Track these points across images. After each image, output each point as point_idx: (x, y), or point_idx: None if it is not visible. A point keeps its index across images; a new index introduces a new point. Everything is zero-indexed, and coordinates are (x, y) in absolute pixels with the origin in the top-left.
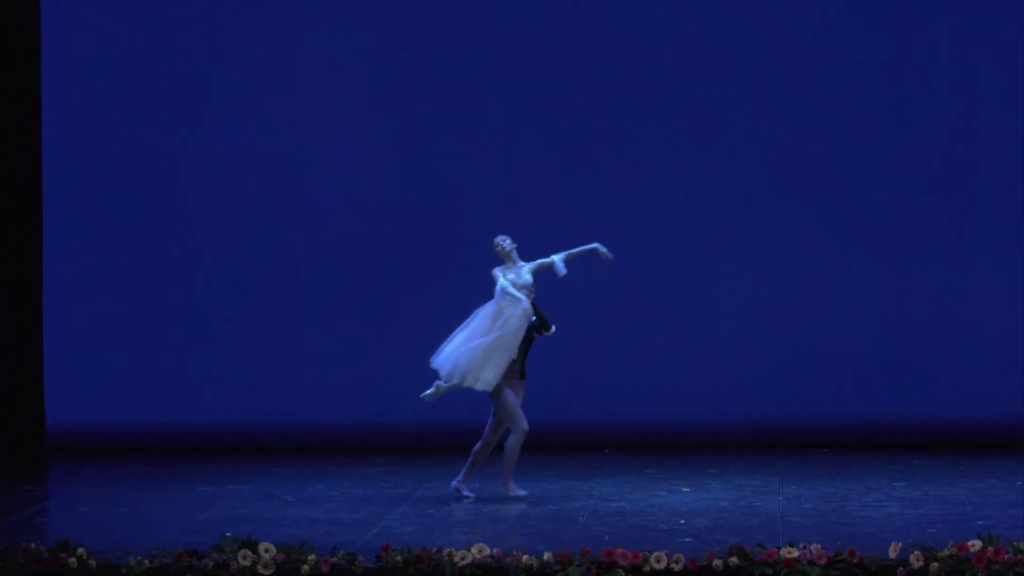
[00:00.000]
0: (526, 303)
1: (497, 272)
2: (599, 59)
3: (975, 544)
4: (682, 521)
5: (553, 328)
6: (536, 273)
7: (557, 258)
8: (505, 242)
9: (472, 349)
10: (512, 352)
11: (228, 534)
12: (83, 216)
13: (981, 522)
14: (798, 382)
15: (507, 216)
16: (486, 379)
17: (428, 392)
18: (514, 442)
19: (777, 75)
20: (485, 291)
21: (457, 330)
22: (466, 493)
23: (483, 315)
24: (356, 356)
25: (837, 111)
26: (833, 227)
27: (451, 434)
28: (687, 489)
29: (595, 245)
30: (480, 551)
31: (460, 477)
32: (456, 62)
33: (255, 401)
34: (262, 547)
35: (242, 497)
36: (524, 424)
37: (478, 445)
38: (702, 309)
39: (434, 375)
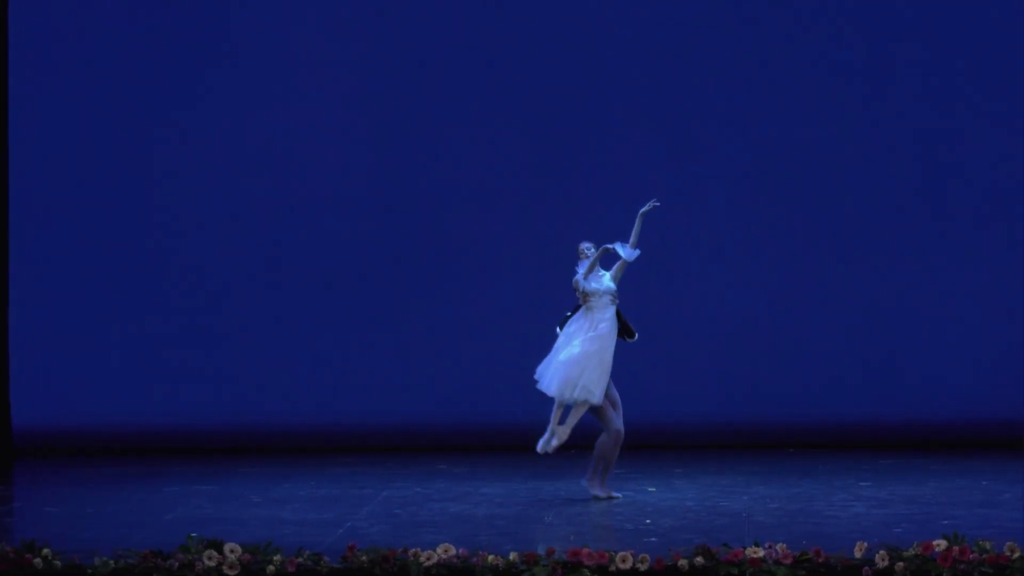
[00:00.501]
0: (601, 285)
1: (579, 275)
2: (579, 58)
3: (941, 544)
4: (648, 521)
5: (636, 336)
6: (618, 279)
7: (619, 248)
8: (589, 250)
9: (570, 361)
10: (609, 356)
11: (194, 535)
12: (49, 215)
13: (947, 522)
14: (765, 382)
15: (488, 215)
16: (589, 389)
17: (546, 440)
18: (605, 441)
19: (756, 76)
20: (461, 296)
21: (555, 348)
22: (615, 494)
23: (575, 328)
24: (323, 357)
25: (815, 111)
26: (802, 227)
27: (418, 435)
28: (653, 489)
29: (641, 212)
30: (446, 551)
31: (589, 478)
32: (435, 62)
33: (221, 402)
34: (228, 547)
35: (209, 497)
36: (617, 426)
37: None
38: (669, 309)
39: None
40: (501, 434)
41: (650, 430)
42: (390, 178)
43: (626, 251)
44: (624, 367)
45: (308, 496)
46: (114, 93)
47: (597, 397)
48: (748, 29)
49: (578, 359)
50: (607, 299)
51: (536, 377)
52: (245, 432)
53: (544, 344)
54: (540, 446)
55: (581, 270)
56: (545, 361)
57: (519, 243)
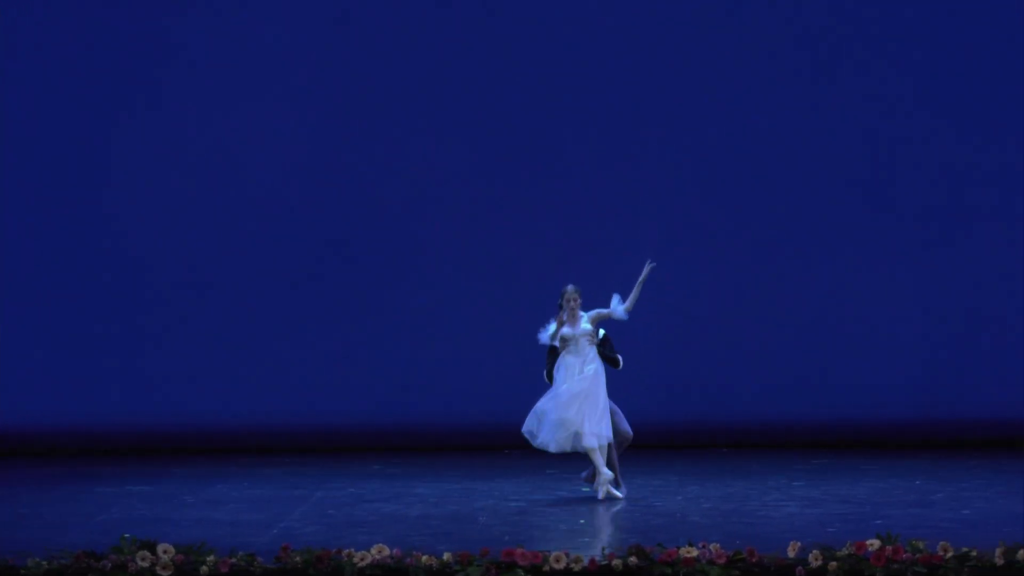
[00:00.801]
0: (578, 330)
1: (545, 336)
2: (533, 57)
3: (874, 543)
4: (582, 521)
5: (620, 364)
6: (596, 322)
7: (615, 306)
8: (574, 299)
9: (564, 419)
10: (603, 392)
11: (127, 535)
12: None
13: (880, 521)
14: (698, 383)
15: (438, 217)
16: (598, 433)
17: (604, 488)
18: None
19: (698, 81)
20: (394, 297)
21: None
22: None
23: (562, 374)
24: (257, 357)
25: (760, 116)
26: (737, 231)
27: (351, 435)
28: (587, 489)
29: (640, 280)
30: (380, 551)
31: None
32: (383, 63)
33: (155, 402)
34: (161, 548)
35: (142, 498)
36: (624, 428)
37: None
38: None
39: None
40: (435, 435)
41: None
42: (323, 179)
43: (619, 309)
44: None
45: (242, 497)
46: (72, 91)
47: (607, 437)
48: (695, 30)
49: (571, 409)
50: (585, 341)
51: (526, 432)
52: (177, 433)
53: (462, 348)
54: (601, 495)
55: (546, 335)
56: (533, 414)
57: (449, 245)
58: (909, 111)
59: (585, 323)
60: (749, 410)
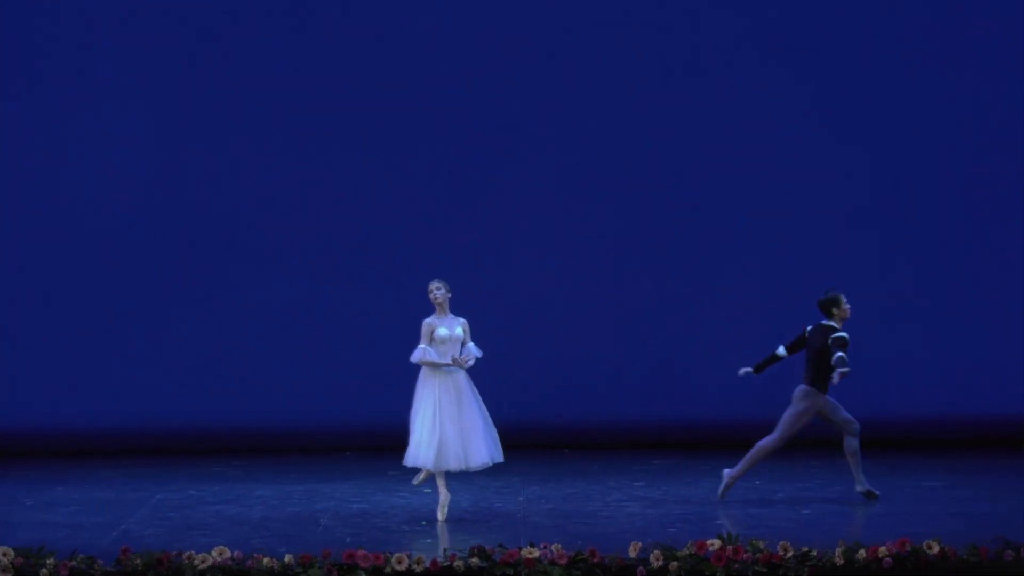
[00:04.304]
0: (452, 332)
1: (424, 345)
2: (379, 58)
3: (714, 543)
4: (424, 522)
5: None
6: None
7: (472, 346)
8: (439, 291)
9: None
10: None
11: None
12: None
13: (721, 521)
14: (538, 382)
15: (229, 214)
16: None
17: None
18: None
19: (551, 87)
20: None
21: (418, 419)
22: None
23: (426, 395)
24: (89, 359)
25: (621, 120)
26: (585, 234)
27: (195, 438)
28: (428, 490)
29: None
30: (221, 554)
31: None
32: (228, 61)
33: None
34: (0, 551)
35: None
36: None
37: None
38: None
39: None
40: (276, 436)
41: None
42: (162, 184)
43: (476, 350)
44: (401, 372)
45: (81, 499)
46: None
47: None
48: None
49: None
50: (457, 345)
51: (410, 464)
52: (14, 435)
53: (324, 342)
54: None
55: (418, 355)
56: (416, 443)
57: (329, 245)
58: (758, 116)
59: (459, 330)
60: (590, 410)
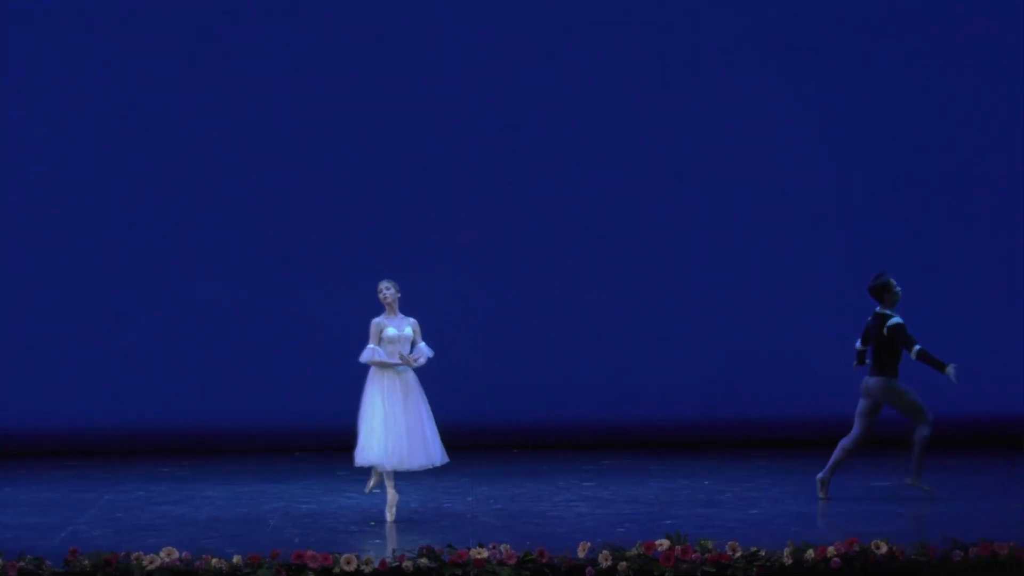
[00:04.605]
0: (401, 332)
1: (372, 345)
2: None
3: (663, 543)
4: (373, 523)
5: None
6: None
7: (423, 346)
8: (389, 291)
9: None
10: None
11: None
12: None
13: (669, 521)
14: (486, 382)
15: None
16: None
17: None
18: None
19: (500, 85)
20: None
21: (366, 417)
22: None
23: (375, 393)
24: (46, 358)
25: (576, 117)
26: (541, 231)
27: (140, 438)
28: (377, 490)
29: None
30: (169, 554)
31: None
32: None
33: None
34: None
35: None
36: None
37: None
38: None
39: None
40: (225, 436)
41: None
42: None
43: (427, 350)
44: (350, 373)
45: (29, 500)
46: None
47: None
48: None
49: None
50: (407, 344)
51: (360, 463)
52: None
53: (276, 341)
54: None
55: (367, 355)
56: (365, 441)
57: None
58: (710, 117)
59: (408, 329)
60: (538, 410)
